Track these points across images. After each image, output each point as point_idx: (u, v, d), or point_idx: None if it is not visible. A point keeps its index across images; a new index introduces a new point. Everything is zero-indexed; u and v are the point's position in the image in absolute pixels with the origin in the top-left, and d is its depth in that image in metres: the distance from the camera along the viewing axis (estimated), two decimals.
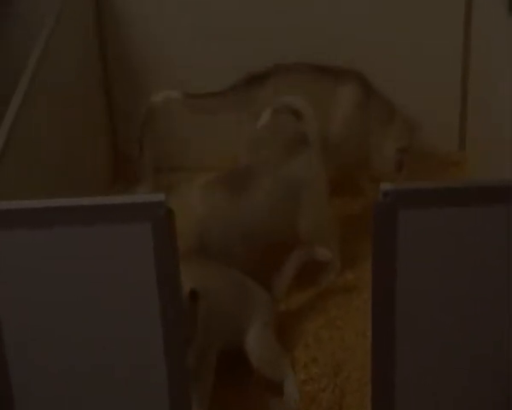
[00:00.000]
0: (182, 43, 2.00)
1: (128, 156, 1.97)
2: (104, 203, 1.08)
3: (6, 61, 1.96)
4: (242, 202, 1.53)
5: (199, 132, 1.99)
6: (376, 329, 1.18)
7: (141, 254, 1.10)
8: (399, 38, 1.99)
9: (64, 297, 1.11)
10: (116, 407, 1.23)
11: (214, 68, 1.94)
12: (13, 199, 1.10)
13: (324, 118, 1.69)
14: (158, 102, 1.66)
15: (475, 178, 1.93)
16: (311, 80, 1.73)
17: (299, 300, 1.64)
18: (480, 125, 1.97)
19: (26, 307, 1.12)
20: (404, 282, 1.15)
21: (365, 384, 1.39)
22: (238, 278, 1.51)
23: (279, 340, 1.52)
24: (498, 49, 1.69)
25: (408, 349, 1.19)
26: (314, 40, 1.93)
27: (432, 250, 1.15)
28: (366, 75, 1.83)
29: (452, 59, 2.02)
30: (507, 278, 1.16)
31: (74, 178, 1.68)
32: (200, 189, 1.54)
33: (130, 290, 1.13)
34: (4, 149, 1.26)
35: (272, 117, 1.58)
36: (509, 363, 1.22)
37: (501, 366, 1.22)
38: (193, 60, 2.00)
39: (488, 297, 1.19)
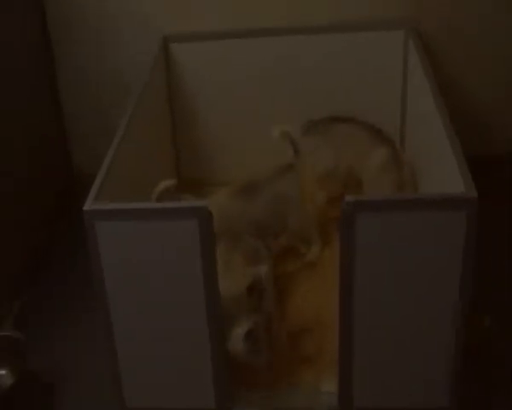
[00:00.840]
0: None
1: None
2: (169, 207, 1.66)
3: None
4: (251, 205, 2.23)
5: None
6: (342, 294, 1.70)
7: (191, 241, 1.65)
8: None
9: (141, 270, 1.69)
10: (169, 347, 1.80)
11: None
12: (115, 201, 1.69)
13: (359, 164, 2.35)
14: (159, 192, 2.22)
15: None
16: (361, 134, 2.38)
17: (293, 270, 2.28)
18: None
19: (121, 276, 1.70)
20: (361, 262, 1.66)
21: None
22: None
23: (276, 299, 2.11)
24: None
25: (363, 307, 1.71)
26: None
27: (381, 241, 1.65)
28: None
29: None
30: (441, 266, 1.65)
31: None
32: (225, 195, 2.25)
33: (183, 266, 1.69)
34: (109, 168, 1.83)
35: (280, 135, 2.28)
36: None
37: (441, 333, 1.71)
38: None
39: (425, 278, 1.66)
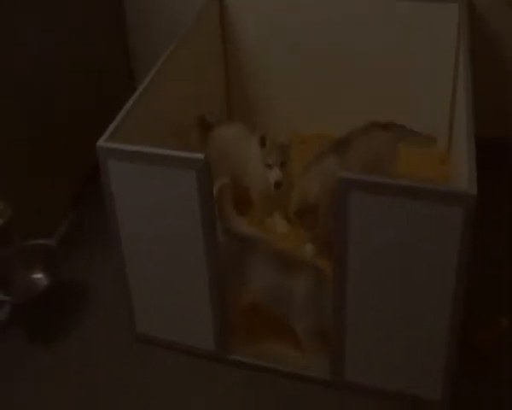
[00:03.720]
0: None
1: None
2: (170, 154, 1.71)
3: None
4: None
5: None
6: (336, 273, 1.71)
7: (190, 189, 1.72)
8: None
9: (149, 209, 1.81)
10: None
11: None
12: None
13: None
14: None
15: None
16: None
17: None
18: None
19: (131, 211, 1.83)
20: (354, 235, 1.65)
21: None
22: None
23: None
24: None
25: (357, 286, 1.72)
26: None
27: (375, 223, 1.63)
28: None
29: None
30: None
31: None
32: None
33: (183, 213, 1.78)
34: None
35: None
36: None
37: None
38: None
39: (419, 265, 1.63)
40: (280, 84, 2.72)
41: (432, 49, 2.45)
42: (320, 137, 2.67)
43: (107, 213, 1.88)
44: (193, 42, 2.36)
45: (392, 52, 2.51)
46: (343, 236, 1.67)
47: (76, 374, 2.01)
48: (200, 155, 1.71)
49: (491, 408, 1.83)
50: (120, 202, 1.85)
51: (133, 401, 1.93)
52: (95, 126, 2.53)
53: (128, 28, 2.89)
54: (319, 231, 2.20)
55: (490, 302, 2.01)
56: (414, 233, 1.62)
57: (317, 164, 2.22)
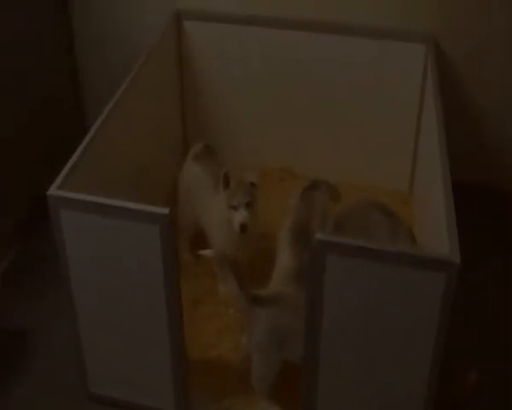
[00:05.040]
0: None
1: None
2: (133, 208, 1.57)
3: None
4: None
5: None
6: (308, 334, 1.62)
7: (152, 244, 1.59)
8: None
9: (105, 264, 1.65)
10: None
11: None
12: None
13: None
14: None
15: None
16: None
17: None
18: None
19: (85, 263, 1.67)
20: (329, 297, 1.56)
21: None
22: None
23: None
24: None
25: (330, 349, 1.63)
26: None
27: (352, 287, 1.55)
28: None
29: None
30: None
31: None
32: None
33: (144, 268, 1.64)
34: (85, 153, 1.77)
35: None
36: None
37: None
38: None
39: (397, 331, 1.56)
40: (240, 118, 2.60)
41: (396, 90, 2.40)
42: (281, 170, 2.59)
43: (59, 264, 1.71)
44: (147, 78, 2.20)
45: (355, 89, 2.43)
46: (318, 298, 1.57)
47: None
48: (165, 210, 1.57)
49: None
50: (73, 255, 1.69)
51: None
52: (43, 154, 2.38)
53: (78, 57, 2.71)
54: None
55: (464, 354, 1.97)
56: (392, 297, 1.54)
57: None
